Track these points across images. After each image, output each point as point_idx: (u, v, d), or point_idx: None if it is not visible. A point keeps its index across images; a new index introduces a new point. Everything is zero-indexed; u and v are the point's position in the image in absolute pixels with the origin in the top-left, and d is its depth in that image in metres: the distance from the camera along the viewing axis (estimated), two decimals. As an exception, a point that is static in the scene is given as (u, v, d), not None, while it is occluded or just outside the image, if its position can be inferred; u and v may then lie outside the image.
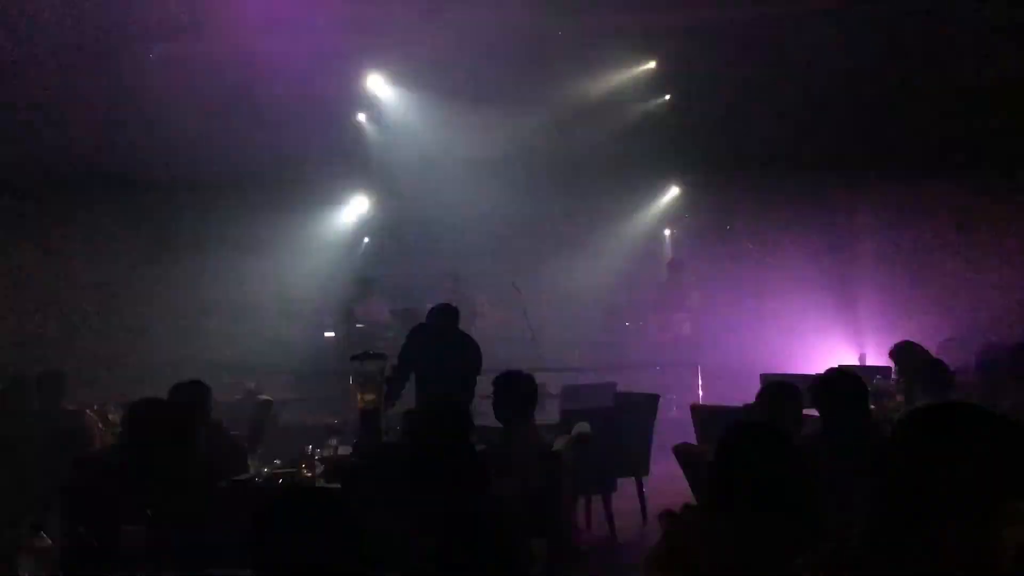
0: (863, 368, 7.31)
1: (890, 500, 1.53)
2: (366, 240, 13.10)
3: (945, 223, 10.82)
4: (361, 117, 12.17)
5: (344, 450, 5.01)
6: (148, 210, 11.10)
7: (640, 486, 6.69)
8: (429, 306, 6.96)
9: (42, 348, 9.77)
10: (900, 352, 6.42)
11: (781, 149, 10.25)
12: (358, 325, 10.39)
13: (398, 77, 11.48)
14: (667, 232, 12.71)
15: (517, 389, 4.61)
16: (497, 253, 11.45)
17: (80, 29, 8.32)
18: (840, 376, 3.94)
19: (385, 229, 12.62)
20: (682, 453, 4.66)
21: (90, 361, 9.36)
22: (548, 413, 6.88)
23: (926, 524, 1.46)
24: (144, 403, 4.60)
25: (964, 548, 1.44)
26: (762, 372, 6.78)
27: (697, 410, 6.41)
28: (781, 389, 4.41)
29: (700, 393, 9.86)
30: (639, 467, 6.67)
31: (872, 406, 5.41)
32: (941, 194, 10.67)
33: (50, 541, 2.82)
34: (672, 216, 12.59)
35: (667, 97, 11.13)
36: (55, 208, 10.86)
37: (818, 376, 3.97)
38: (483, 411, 5.09)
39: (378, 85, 11.63)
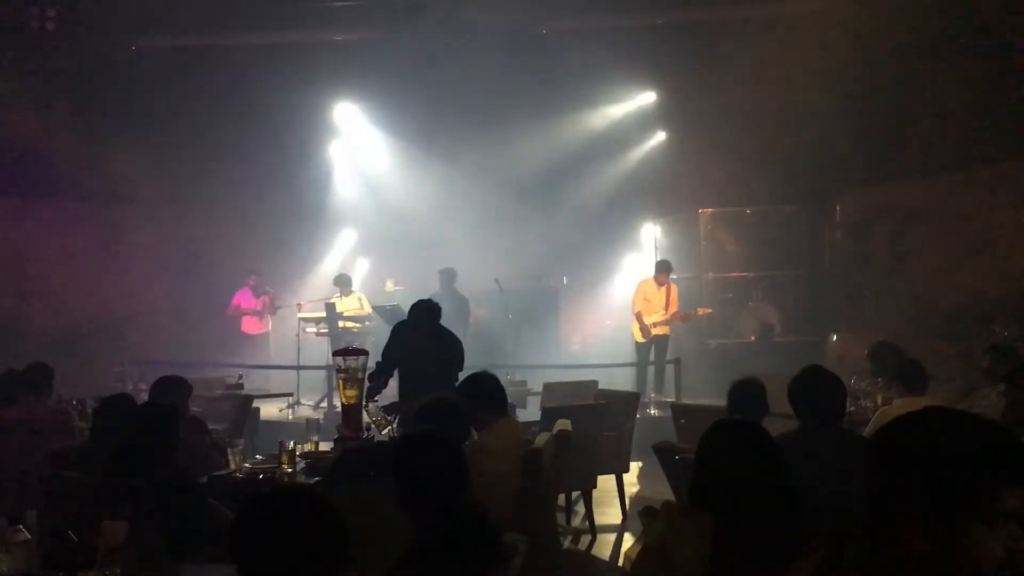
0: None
1: (874, 507, 1.53)
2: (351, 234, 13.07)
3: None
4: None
5: (325, 446, 5.00)
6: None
7: (620, 482, 6.73)
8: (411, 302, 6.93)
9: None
10: (877, 352, 6.41)
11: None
12: (340, 323, 10.34)
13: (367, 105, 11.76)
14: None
15: (481, 390, 4.57)
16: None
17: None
18: (816, 374, 3.89)
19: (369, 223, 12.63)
20: (662, 450, 4.68)
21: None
22: (530, 410, 6.91)
23: (910, 530, 1.46)
24: (116, 399, 4.63)
25: (948, 552, 1.43)
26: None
27: (678, 408, 6.44)
28: (748, 384, 4.54)
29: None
30: (619, 463, 6.70)
31: (851, 408, 5.45)
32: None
33: (28, 535, 2.80)
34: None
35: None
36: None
37: (796, 375, 3.90)
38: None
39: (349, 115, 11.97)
